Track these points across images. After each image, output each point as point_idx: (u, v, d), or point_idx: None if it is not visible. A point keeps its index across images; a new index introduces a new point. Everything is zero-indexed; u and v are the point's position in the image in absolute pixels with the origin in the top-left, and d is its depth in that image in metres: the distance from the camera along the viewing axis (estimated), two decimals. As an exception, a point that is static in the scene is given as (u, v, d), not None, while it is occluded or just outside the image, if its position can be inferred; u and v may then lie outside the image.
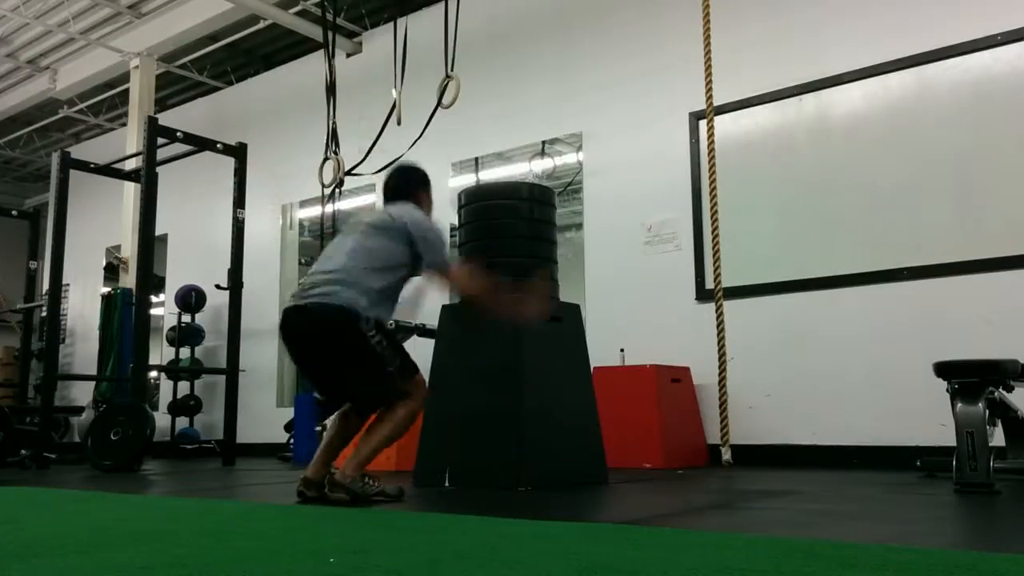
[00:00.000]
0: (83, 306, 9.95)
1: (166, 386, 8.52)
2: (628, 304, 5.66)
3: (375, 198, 7.51)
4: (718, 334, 4.82)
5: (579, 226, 6.24)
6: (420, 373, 3.21)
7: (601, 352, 4.86)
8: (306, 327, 3.06)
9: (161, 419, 7.28)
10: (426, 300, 4.00)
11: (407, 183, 3.45)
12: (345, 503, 2.88)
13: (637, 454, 4.75)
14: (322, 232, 8.47)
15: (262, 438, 7.34)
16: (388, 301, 3.19)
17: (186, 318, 8.30)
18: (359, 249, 3.13)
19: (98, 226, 9.47)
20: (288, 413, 6.95)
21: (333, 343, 3.04)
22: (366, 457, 3.01)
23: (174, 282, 8.66)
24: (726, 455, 4.75)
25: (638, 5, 6.00)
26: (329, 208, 7.61)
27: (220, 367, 6.62)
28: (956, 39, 4.64)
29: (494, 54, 6.67)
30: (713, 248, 4.92)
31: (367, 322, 3.02)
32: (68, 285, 9.26)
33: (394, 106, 5.32)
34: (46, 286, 6.77)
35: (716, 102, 4.98)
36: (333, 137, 5.53)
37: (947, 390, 3.20)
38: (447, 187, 6.75)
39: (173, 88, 9.72)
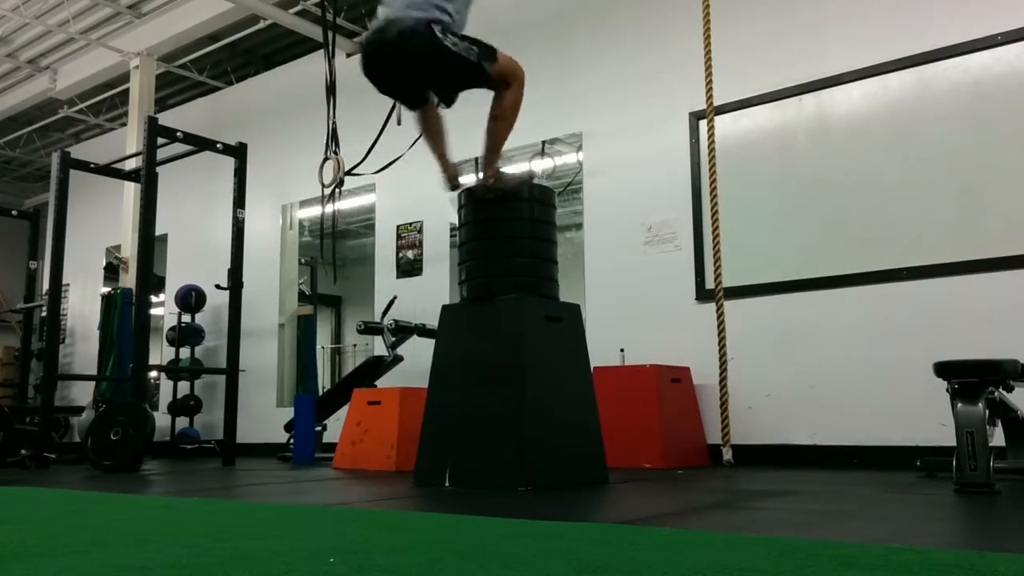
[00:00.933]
0: (83, 306, 9.95)
1: (166, 386, 8.52)
2: (628, 304, 5.66)
3: (375, 197, 7.52)
4: (718, 334, 4.82)
5: (579, 226, 6.25)
6: (501, 52, 3.55)
7: (601, 352, 4.86)
8: (391, 53, 3.45)
9: (161, 419, 7.27)
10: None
11: None
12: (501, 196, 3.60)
13: (637, 454, 4.75)
14: (322, 232, 8.46)
15: (262, 438, 7.34)
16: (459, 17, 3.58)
17: (186, 318, 8.30)
18: None
19: (98, 226, 9.47)
20: (288, 413, 6.94)
21: (422, 60, 3.43)
22: (497, 154, 3.62)
23: (174, 282, 8.66)
24: (726, 455, 4.75)
25: (638, 5, 6.00)
26: (329, 208, 7.61)
27: (220, 367, 6.62)
28: (956, 39, 4.64)
29: (494, 54, 6.66)
30: (713, 248, 4.92)
31: (439, 27, 3.37)
32: (68, 285, 9.26)
33: (394, 106, 5.32)
34: (46, 286, 6.77)
35: (716, 102, 4.98)
36: (333, 137, 5.53)
37: (947, 390, 3.20)
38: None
39: (173, 88, 9.72)
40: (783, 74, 5.22)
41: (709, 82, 4.92)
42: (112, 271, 9.29)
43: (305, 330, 8.20)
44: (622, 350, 5.34)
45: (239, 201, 6.25)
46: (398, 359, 6.23)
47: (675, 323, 5.42)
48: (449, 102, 3.74)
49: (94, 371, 7.74)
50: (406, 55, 3.44)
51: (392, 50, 3.45)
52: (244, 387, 6.47)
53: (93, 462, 5.20)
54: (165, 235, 8.75)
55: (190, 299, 8.20)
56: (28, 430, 6.71)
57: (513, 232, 3.81)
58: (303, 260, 8.41)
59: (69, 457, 6.27)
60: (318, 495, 3.49)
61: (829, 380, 4.81)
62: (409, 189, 6.94)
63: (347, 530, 2.25)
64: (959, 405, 3.11)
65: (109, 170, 7.10)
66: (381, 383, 6.18)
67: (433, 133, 3.86)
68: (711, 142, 4.92)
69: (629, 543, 1.89)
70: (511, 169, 6.83)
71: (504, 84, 3.52)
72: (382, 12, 3.54)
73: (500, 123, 3.57)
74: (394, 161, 5.91)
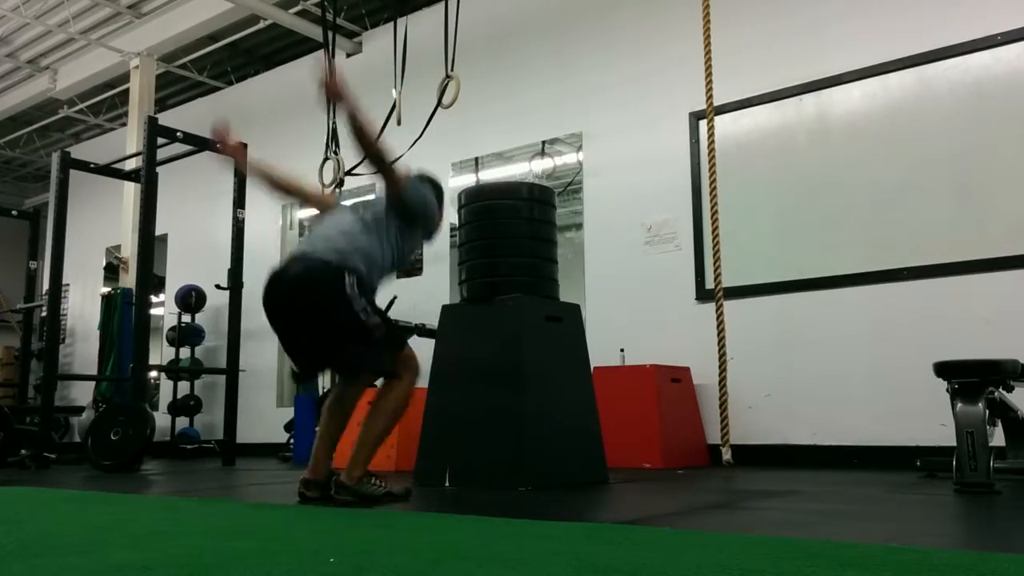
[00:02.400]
0: (83, 306, 9.95)
1: (166, 386, 8.52)
2: (628, 304, 5.66)
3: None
4: (718, 334, 4.82)
5: (579, 226, 6.24)
6: (409, 347, 3.10)
7: (601, 352, 4.86)
8: (289, 288, 2.99)
9: (161, 419, 7.28)
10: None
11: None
12: (351, 504, 2.87)
13: (637, 454, 4.75)
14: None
15: (262, 438, 7.34)
16: (375, 277, 3.11)
17: (186, 318, 8.30)
18: (353, 222, 3.15)
19: (98, 226, 9.47)
20: (288, 413, 6.95)
21: (319, 303, 2.94)
22: (367, 456, 2.98)
23: (174, 282, 8.66)
24: (726, 455, 4.75)
25: (638, 5, 6.00)
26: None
27: (220, 367, 6.62)
28: (956, 39, 4.64)
29: (494, 54, 6.68)
30: (713, 248, 4.92)
31: (352, 278, 2.93)
32: (68, 285, 9.26)
33: (394, 106, 5.33)
34: (46, 286, 6.77)
35: (716, 102, 4.98)
36: (333, 137, 5.54)
37: (947, 390, 3.20)
38: (447, 187, 6.75)
39: (173, 88, 9.72)
40: (783, 74, 5.22)
41: (709, 82, 4.92)
42: (112, 271, 9.29)
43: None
44: (622, 350, 5.34)
45: (239, 201, 6.25)
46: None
47: (675, 323, 5.42)
48: (343, 370, 3.24)
49: (94, 371, 7.74)
50: (302, 294, 2.97)
51: (289, 288, 2.99)
52: (244, 387, 6.46)
53: (93, 462, 5.20)
54: (165, 235, 8.76)
55: (190, 299, 8.21)
56: (28, 430, 6.70)
57: (513, 232, 3.81)
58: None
59: (69, 457, 6.27)
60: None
61: (829, 380, 4.81)
62: (409, 189, 6.93)
63: (347, 530, 2.25)
64: (959, 405, 3.12)
65: (109, 170, 7.10)
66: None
67: (337, 417, 3.19)
68: (711, 142, 4.92)
69: (629, 543, 1.89)
70: (511, 169, 6.83)
71: (397, 376, 3.06)
72: (296, 249, 3.20)
73: (380, 420, 3.01)
74: (394, 161, 5.91)
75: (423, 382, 3.93)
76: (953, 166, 4.61)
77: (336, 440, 3.17)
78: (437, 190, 3.39)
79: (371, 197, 3.30)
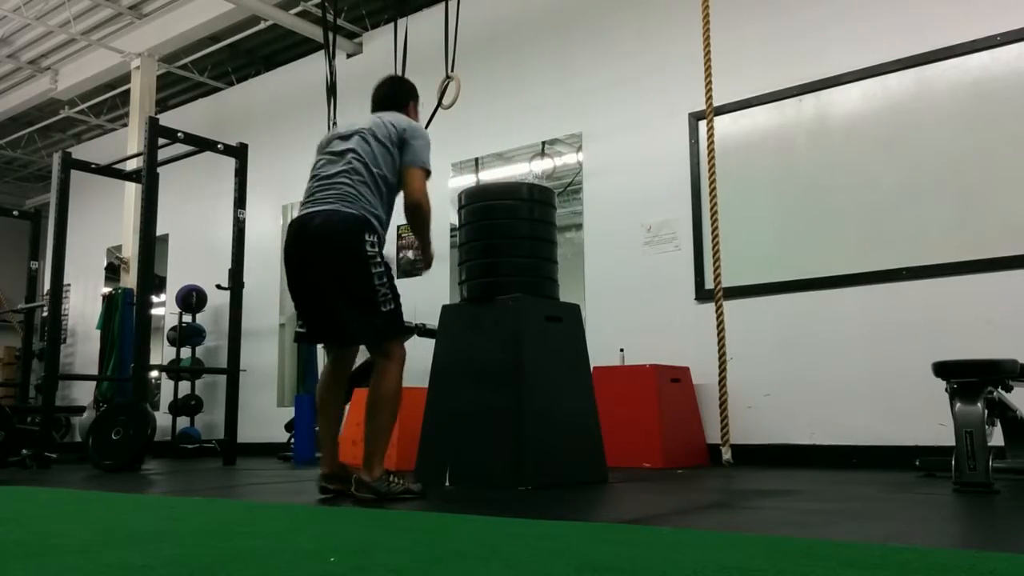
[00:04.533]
0: (84, 306, 9.96)
1: (167, 386, 8.53)
2: (628, 304, 5.67)
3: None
4: (718, 334, 4.83)
5: (579, 226, 6.24)
6: (403, 336, 3.17)
7: (601, 352, 4.87)
8: (312, 241, 3.01)
9: (162, 419, 7.29)
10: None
11: (399, 93, 3.42)
12: (372, 502, 2.90)
13: (637, 454, 4.76)
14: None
15: (263, 438, 7.34)
16: (386, 216, 3.17)
17: (187, 318, 8.31)
18: (361, 156, 3.10)
19: (99, 226, 9.48)
20: (288, 413, 6.95)
21: (339, 259, 2.98)
22: (380, 453, 3.01)
23: (175, 282, 8.67)
24: (726, 455, 4.76)
25: (638, 5, 6.00)
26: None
27: (221, 367, 6.63)
28: (956, 39, 4.64)
29: (494, 54, 6.68)
30: (713, 248, 4.92)
31: (372, 236, 3.00)
32: (69, 285, 9.27)
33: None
34: (47, 286, 6.78)
35: (716, 102, 4.99)
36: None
37: (946, 390, 3.21)
38: (447, 187, 6.76)
39: (174, 89, 9.73)
40: (783, 74, 5.23)
41: (709, 83, 4.92)
42: (113, 271, 9.30)
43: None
44: (622, 350, 5.35)
45: (240, 201, 6.25)
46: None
47: (675, 323, 5.42)
48: (340, 336, 3.18)
49: (95, 371, 7.74)
50: (322, 250, 3.00)
51: (310, 241, 3.02)
52: (245, 387, 6.47)
53: (94, 462, 5.21)
54: (166, 235, 8.76)
55: (191, 299, 8.21)
56: (29, 430, 6.72)
57: (513, 232, 3.82)
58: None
59: (70, 457, 6.28)
60: (318, 495, 3.50)
61: (829, 380, 4.82)
62: (409, 189, 6.93)
63: (347, 530, 2.25)
64: (958, 405, 3.12)
65: (110, 170, 7.11)
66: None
67: (329, 407, 3.23)
68: (711, 143, 4.93)
69: (629, 543, 1.89)
70: (511, 169, 6.83)
71: (385, 355, 3.05)
72: (316, 192, 3.13)
73: (381, 414, 3.02)
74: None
75: (423, 382, 3.95)
76: (953, 166, 4.61)
77: (338, 427, 3.24)
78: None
79: (367, 135, 3.17)
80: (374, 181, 3.10)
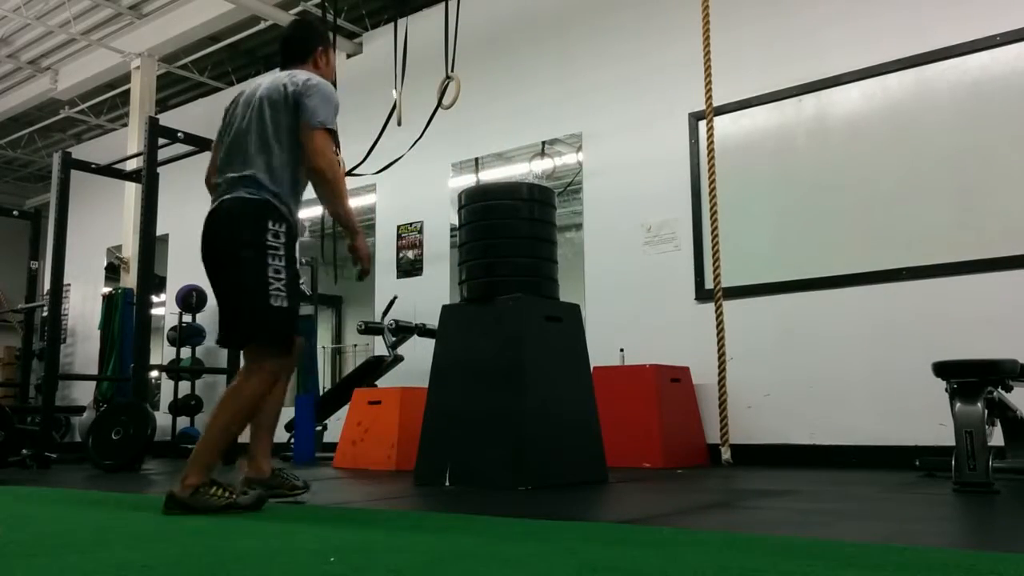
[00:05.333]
0: (84, 306, 9.95)
1: (167, 386, 8.52)
2: (628, 304, 5.67)
3: (375, 198, 7.53)
4: (718, 334, 4.83)
5: (579, 226, 6.24)
6: (295, 344, 2.79)
7: (601, 352, 4.87)
8: (215, 228, 2.71)
9: (162, 419, 7.28)
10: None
11: (306, 40, 3.02)
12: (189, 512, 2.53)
13: (637, 454, 4.76)
14: (322, 232, 8.48)
15: (263, 438, 7.33)
16: (294, 192, 2.80)
17: (187, 318, 8.31)
18: (256, 130, 2.77)
19: (99, 226, 9.48)
20: (288, 413, 6.95)
21: (233, 239, 2.67)
22: (203, 457, 2.60)
23: (175, 282, 8.66)
24: (726, 455, 4.76)
25: (638, 6, 6.00)
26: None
27: (221, 367, 6.63)
28: (955, 39, 4.64)
29: (494, 55, 6.68)
30: (713, 248, 4.92)
31: (275, 215, 2.67)
32: (69, 285, 9.26)
33: (394, 107, 5.34)
34: (47, 286, 6.77)
35: (716, 103, 4.98)
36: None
37: (946, 390, 3.21)
38: (447, 187, 6.76)
39: (174, 89, 9.73)
40: (782, 75, 5.22)
41: (708, 83, 4.92)
42: (113, 271, 9.29)
43: (305, 331, 8.19)
44: (622, 350, 5.35)
45: (240, 201, 6.24)
46: (398, 359, 6.23)
47: (675, 323, 5.42)
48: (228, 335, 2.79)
49: (95, 371, 7.74)
50: (216, 238, 2.72)
51: (209, 229, 2.74)
52: (245, 387, 6.46)
53: (94, 462, 5.21)
54: (166, 235, 8.75)
55: (191, 299, 8.21)
56: (29, 430, 6.71)
57: (513, 232, 3.82)
58: (303, 260, 8.40)
59: (70, 457, 6.27)
60: (318, 495, 3.50)
61: (828, 380, 4.82)
62: (409, 189, 6.94)
63: (347, 530, 2.25)
64: (958, 405, 3.12)
65: (110, 170, 7.10)
66: (381, 383, 6.19)
67: (260, 415, 2.84)
68: (710, 143, 4.93)
69: (629, 543, 1.90)
70: (511, 169, 6.83)
71: (254, 360, 2.68)
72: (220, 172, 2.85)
73: (226, 414, 2.64)
74: (395, 162, 5.92)
75: (423, 382, 3.95)
76: (952, 166, 4.61)
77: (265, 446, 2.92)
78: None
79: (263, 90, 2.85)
80: (273, 157, 2.77)
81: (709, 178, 4.94)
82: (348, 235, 2.87)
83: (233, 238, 2.69)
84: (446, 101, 5.13)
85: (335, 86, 3.02)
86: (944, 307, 4.50)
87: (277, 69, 3.04)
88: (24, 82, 9.52)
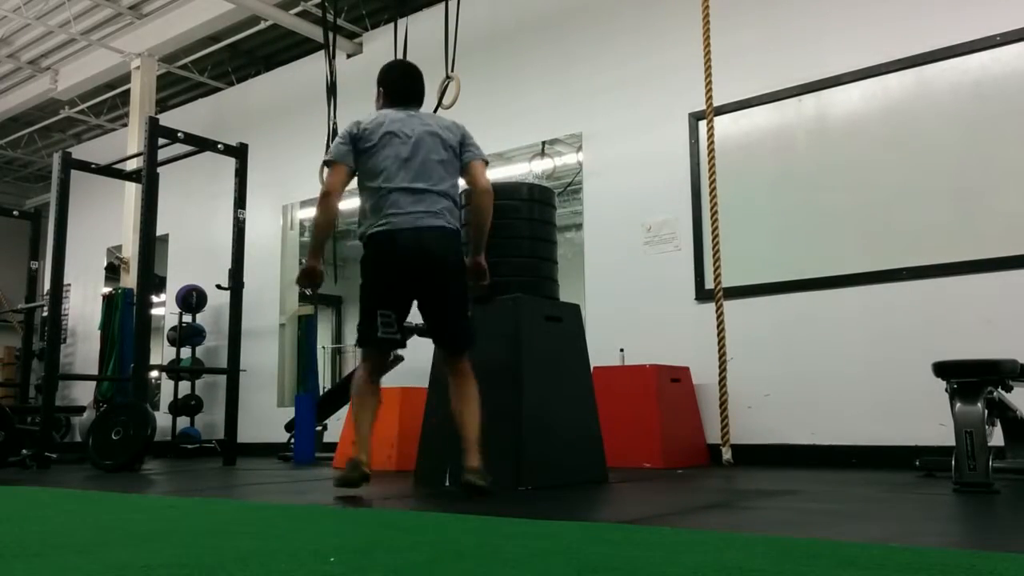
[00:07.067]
0: (84, 306, 9.95)
1: (167, 386, 8.52)
2: (628, 304, 5.67)
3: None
4: (718, 334, 4.83)
5: (579, 226, 6.25)
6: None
7: (601, 352, 4.87)
8: (428, 254, 3.16)
9: (162, 419, 7.28)
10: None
11: (422, 87, 3.54)
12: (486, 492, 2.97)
13: (637, 454, 4.76)
14: (323, 232, 8.46)
15: (263, 438, 7.34)
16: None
17: (187, 318, 8.31)
18: (442, 163, 3.26)
19: (99, 226, 9.48)
20: (289, 413, 6.95)
21: (455, 273, 3.22)
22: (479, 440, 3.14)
23: (175, 282, 8.66)
24: (726, 455, 4.76)
25: (638, 6, 6.00)
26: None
27: (221, 367, 6.63)
28: (955, 40, 4.64)
29: (494, 55, 6.68)
30: (713, 248, 4.92)
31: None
32: (69, 285, 9.26)
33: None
34: (47, 286, 6.78)
35: (716, 103, 4.99)
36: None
37: (946, 390, 3.21)
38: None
39: (174, 89, 9.73)
40: (782, 75, 5.23)
41: (708, 83, 4.92)
42: (113, 271, 9.30)
43: (306, 330, 8.20)
44: (622, 350, 5.34)
45: (240, 201, 6.25)
46: (398, 359, 6.22)
47: (675, 323, 5.42)
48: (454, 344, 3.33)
49: (95, 371, 7.74)
50: (436, 265, 3.19)
51: (422, 253, 3.17)
52: (245, 387, 6.47)
53: (94, 462, 5.21)
54: (166, 235, 8.76)
55: (191, 299, 8.21)
56: (29, 430, 6.71)
57: (513, 232, 3.82)
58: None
59: (70, 457, 6.28)
60: (318, 495, 3.50)
61: (829, 380, 4.82)
62: (409, 189, 6.93)
63: (347, 530, 2.25)
64: (958, 405, 3.12)
65: (110, 170, 7.11)
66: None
67: (374, 402, 3.45)
68: (711, 143, 4.93)
69: (629, 543, 1.89)
70: (511, 169, 6.83)
71: (464, 362, 3.27)
72: (396, 221, 3.17)
73: (476, 407, 3.22)
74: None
75: (423, 382, 3.95)
76: (952, 166, 4.61)
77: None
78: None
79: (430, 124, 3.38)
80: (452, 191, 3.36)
81: (709, 178, 4.94)
82: (477, 251, 3.34)
83: (458, 260, 3.25)
84: (446, 101, 5.13)
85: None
86: (944, 307, 4.50)
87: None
88: (24, 82, 9.52)
